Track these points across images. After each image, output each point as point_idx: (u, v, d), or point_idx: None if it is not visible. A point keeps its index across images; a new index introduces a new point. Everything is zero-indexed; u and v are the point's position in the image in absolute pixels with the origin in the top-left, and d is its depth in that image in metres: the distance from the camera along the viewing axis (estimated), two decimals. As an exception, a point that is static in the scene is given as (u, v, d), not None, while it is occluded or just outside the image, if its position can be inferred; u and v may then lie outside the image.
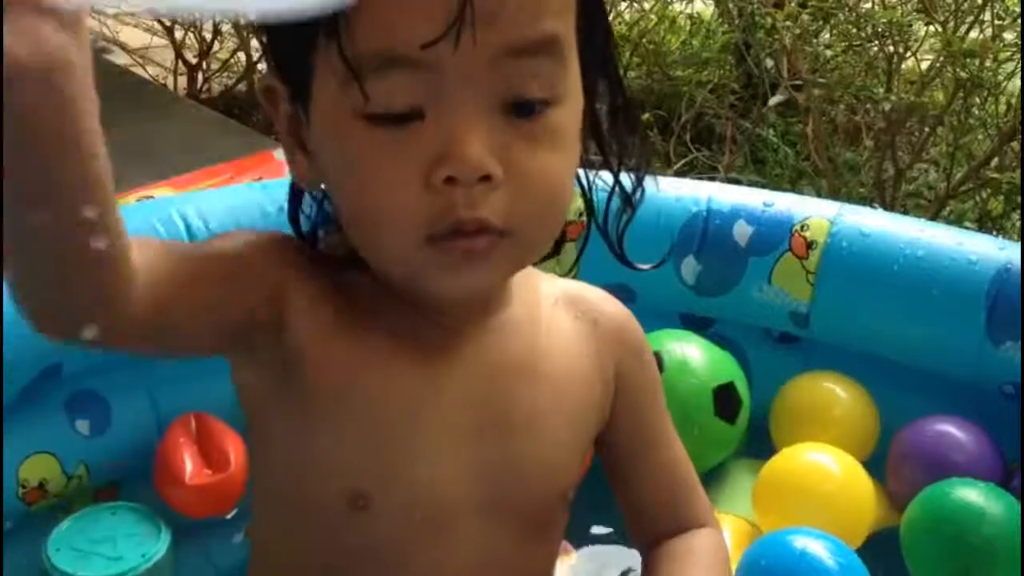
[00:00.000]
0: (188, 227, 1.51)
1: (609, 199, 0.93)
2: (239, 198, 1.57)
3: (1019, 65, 2.30)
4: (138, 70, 3.93)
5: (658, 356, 1.56)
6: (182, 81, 3.89)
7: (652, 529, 1.05)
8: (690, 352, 1.60)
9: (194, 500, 1.42)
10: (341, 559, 0.91)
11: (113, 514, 1.40)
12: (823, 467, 1.49)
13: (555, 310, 0.96)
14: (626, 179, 0.94)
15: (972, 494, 1.38)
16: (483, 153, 0.75)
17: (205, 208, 1.54)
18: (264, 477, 0.95)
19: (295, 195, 0.92)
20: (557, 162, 0.80)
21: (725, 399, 1.59)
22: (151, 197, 2.61)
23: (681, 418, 1.52)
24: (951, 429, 1.51)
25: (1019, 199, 2.24)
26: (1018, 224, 2.57)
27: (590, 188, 0.94)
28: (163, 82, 3.91)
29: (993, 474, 1.47)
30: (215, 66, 3.94)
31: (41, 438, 1.42)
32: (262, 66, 3.85)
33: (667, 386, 1.51)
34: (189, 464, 1.42)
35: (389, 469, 0.88)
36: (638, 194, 0.93)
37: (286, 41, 0.82)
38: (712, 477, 1.62)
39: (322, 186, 0.88)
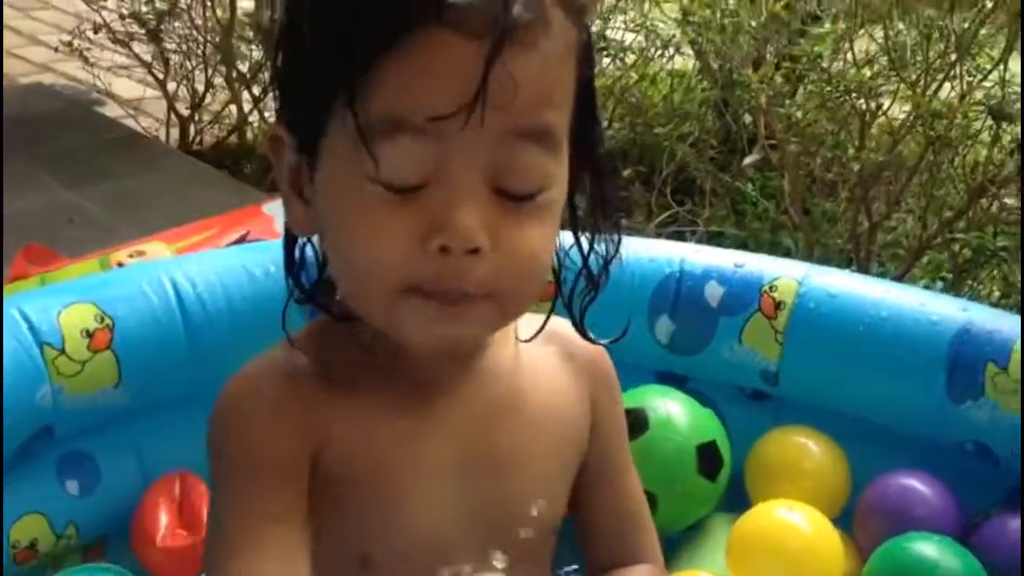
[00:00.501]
0: (176, 290, 1.57)
1: (575, 281, 0.99)
2: (226, 261, 1.62)
3: (985, 122, 2.37)
4: (130, 122, 4.00)
5: (643, 413, 1.61)
6: (174, 133, 3.95)
7: (601, 556, 1.11)
8: (674, 410, 1.64)
9: (166, 561, 1.45)
10: None
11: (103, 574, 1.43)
12: (793, 524, 1.52)
13: (534, 346, 1.02)
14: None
15: (928, 548, 1.43)
16: (476, 228, 0.81)
17: (193, 271, 1.59)
18: None
19: (290, 244, 0.98)
20: (541, 237, 0.86)
21: (708, 457, 1.62)
22: (143, 252, 2.67)
23: (665, 475, 1.58)
24: (915, 484, 1.55)
25: (985, 256, 2.30)
26: (991, 275, 2.62)
27: (559, 267, 0.99)
28: (155, 134, 3.97)
29: (954, 528, 1.51)
30: (207, 118, 4.01)
31: (32, 499, 1.46)
32: (253, 119, 3.93)
33: (652, 443, 1.59)
34: (163, 525, 1.45)
35: (390, 526, 0.94)
36: (603, 278, 0.98)
37: (301, 98, 0.88)
38: (689, 532, 1.66)
39: (315, 237, 0.94)
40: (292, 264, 0.98)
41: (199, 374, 1.54)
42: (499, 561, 1.00)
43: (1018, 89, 2.43)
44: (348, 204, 0.84)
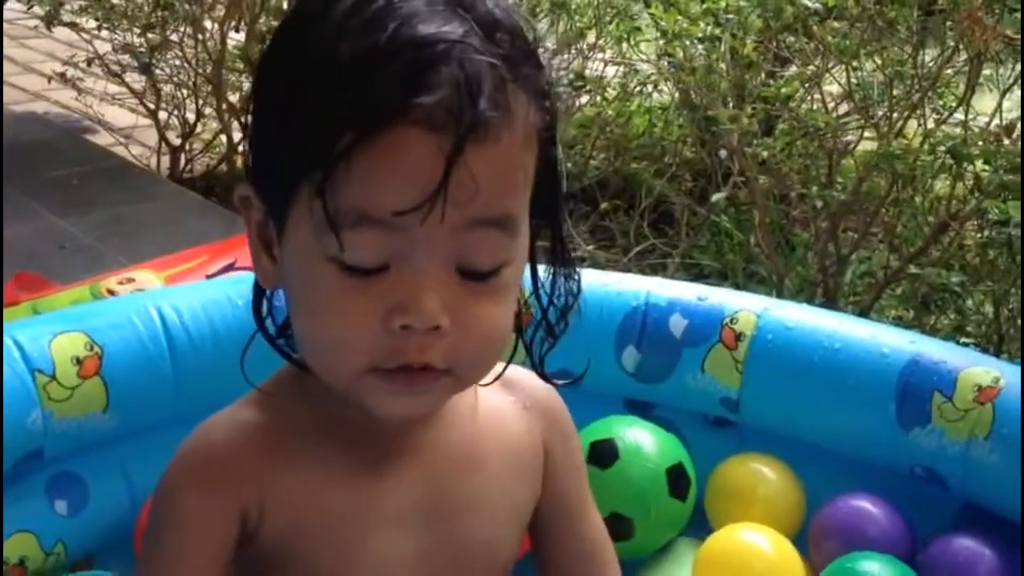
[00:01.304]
0: (163, 319, 1.64)
1: (535, 330, 1.01)
2: (211, 292, 1.70)
3: (947, 163, 2.45)
4: (121, 151, 4.07)
5: (612, 443, 1.69)
6: (164, 161, 4.02)
7: None
8: (641, 437, 1.71)
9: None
10: None
11: (94, 583, 1.51)
12: (756, 547, 1.60)
13: (489, 393, 1.04)
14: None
15: (872, 567, 1.50)
16: (437, 307, 0.85)
17: (179, 302, 1.66)
18: None
19: (259, 292, 1.00)
20: (499, 313, 0.90)
21: (677, 479, 1.70)
22: (132, 280, 2.73)
23: (639, 500, 1.66)
24: (866, 505, 1.63)
25: (946, 294, 2.38)
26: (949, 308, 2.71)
27: (526, 302, 1.01)
28: (146, 162, 4.05)
29: (904, 548, 1.59)
30: (197, 147, 4.09)
31: (22, 518, 1.52)
32: (243, 148, 4.01)
33: (624, 470, 1.66)
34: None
35: (345, 574, 0.98)
36: (561, 328, 1.01)
37: (273, 175, 0.91)
38: (653, 555, 1.73)
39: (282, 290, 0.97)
40: (260, 313, 1.00)
41: (184, 399, 1.61)
42: None
43: (978, 128, 2.53)
44: (311, 281, 0.87)
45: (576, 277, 1.00)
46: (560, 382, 1.06)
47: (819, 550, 1.65)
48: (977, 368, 1.61)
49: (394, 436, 0.99)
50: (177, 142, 4.01)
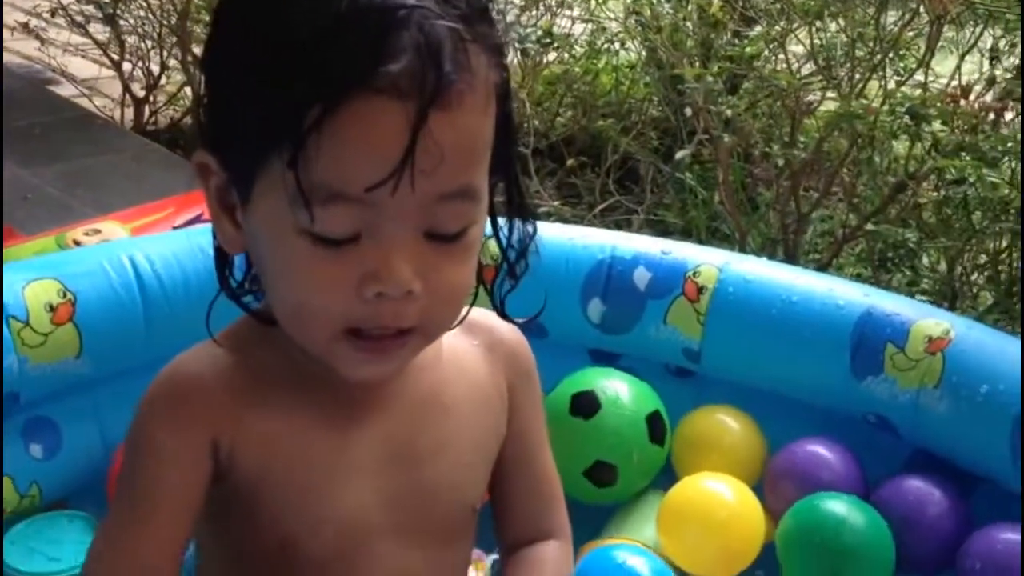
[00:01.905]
0: (135, 267, 1.66)
1: (497, 273, 1.05)
2: (182, 242, 1.72)
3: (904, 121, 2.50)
4: (85, 102, 4.03)
5: (594, 394, 1.74)
6: (128, 113, 3.99)
7: (514, 534, 1.18)
8: (620, 387, 1.76)
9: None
10: None
11: (70, 521, 1.54)
12: (719, 495, 1.65)
13: (455, 339, 1.08)
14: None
15: (836, 506, 1.56)
16: (410, 274, 0.88)
17: (151, 251, 1.68)
18: (203, 538, 1.07)
19: (221, 253, 1.02)
20: (466, 271, 0.93)
21: (655, 425, 1.76)
22: (98, 231, 2.73)
23: (622, 447, 1.72)
24: (820, 450, 1.69)
25: (903, 251, 2.44)
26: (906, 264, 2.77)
27: (502, 248, 1.04)
28: (110, 114, 4.01)
29: (856, 490, 1.65)
30: (162, 99, 4.05)
31: (-2, 461, 1.55)
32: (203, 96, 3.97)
33: (606, 419, 1.71)
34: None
35: (312, 515, 1.01)
36: (520, 269, 1.04)
37: (237, 148, 0.91)
38: (621, 508, 1.77)
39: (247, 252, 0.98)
40: (223, 272, 1.02)
41: (156, 346, 1.63)
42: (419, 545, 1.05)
43: (935, 89, 2.59)
44: (282, 251, 0.89)
45: (532, 222, 1.03)
46: (520, 320, 1.09)
47: (775, 493, 1.71)
48: (928, 320, 1.67)
49: (361, 386, 1.01)
50: (141, 94, 3.97)
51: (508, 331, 1.14)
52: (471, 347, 1.10)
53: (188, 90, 3.91)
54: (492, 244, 1.02)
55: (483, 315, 1.11)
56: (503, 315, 1.07)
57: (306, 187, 0.85)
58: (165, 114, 4.06)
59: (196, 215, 2.88)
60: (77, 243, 2.53)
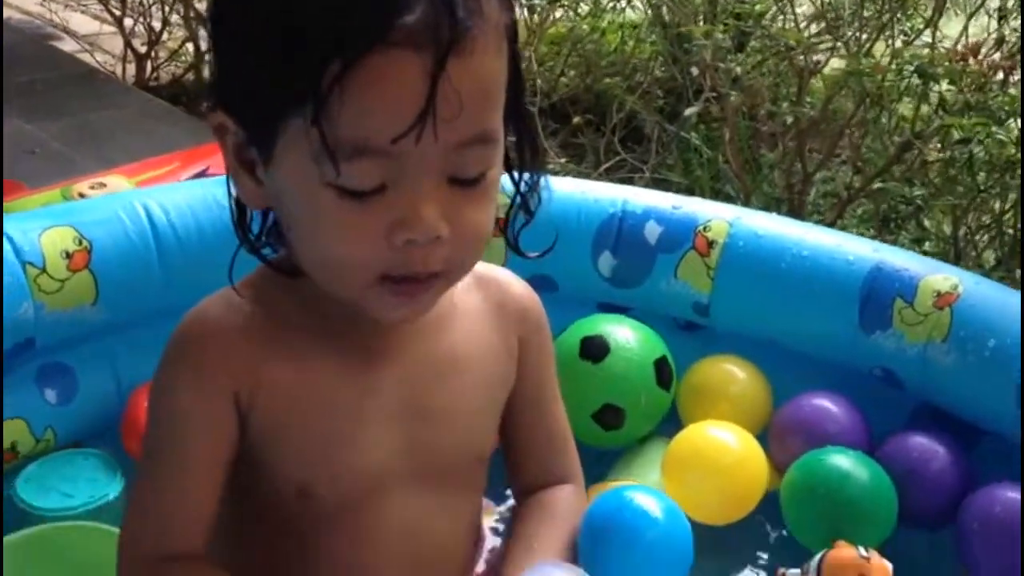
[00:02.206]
0: (149, 216, 1.66)
1: (509, 210, 1.08)
2: (196, 191, 1.72)
3: (912, 80, 2.51)
4: (86, 57, 4.01)
5: (603, 339, 1.75)
6: (130, 69, 3.97)
7: (528, 479, 1.23)
8: (628, 333, 1.77)
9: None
10: (291, 536, 1.07)
11: (85, 459, 1.56)
12: (723, 442, 1.66)
13: (467, 295, 1.12)
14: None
15: (841, 460, 1.58)
16: (436, 219, 0.91)
17: (165, 200, 1.69)
18: None
19: (239, 208, 1.04)
20: (486, 214, 0.96)
21: (663, 370, 1.77)
22: (104, 184, 2.73)
23: (630, 390, 1.73)
24: (826, 403, 1.70)
25: (908, 207, 2.45)
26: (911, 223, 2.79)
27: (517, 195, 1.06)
28: (111, 69, 3.99)
29: (861, 444, 1.66)
30: (163, 55, 4.03)
31: (14, 405, 1.56)
32: (210, 57, 3.95)
33: (615, 364, 1.72)
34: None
35: (329, 463, 1.04)
36: (533, 204, 1.07)
37: (256, 107, 0.92)
38: (626, 454, 1.79)
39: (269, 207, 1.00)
40: (243, 225, 1.04)
41: (170, 294, 1.64)
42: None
43: (943, 49, 2.58)
44: (310, 206, 0.91)
45: (542, 158, 1.07)
46: (532, 254, 1.10)
47: (780, 445, 1.72)
48: (937, 275, 1.68)
49: (379, 337, 1.04)
50: (143, 50, 3.95)
51: (520, 288, 1.18)
52: (483, 304, 1.13)
53: (190, 46, 3.89)
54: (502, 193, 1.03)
55: (496, 272, 1.15)
56: (516, 250, 1.09)
57: (330, 142, 0.86)
58: (167, 70, 4.04)
59: (202, 169, 2.89)
60: (83, 196, 2.54)
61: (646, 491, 1.41)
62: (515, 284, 1.18)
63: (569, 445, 1.25)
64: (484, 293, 1.14)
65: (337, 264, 0.94)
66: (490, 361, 1.13)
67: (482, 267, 1.14)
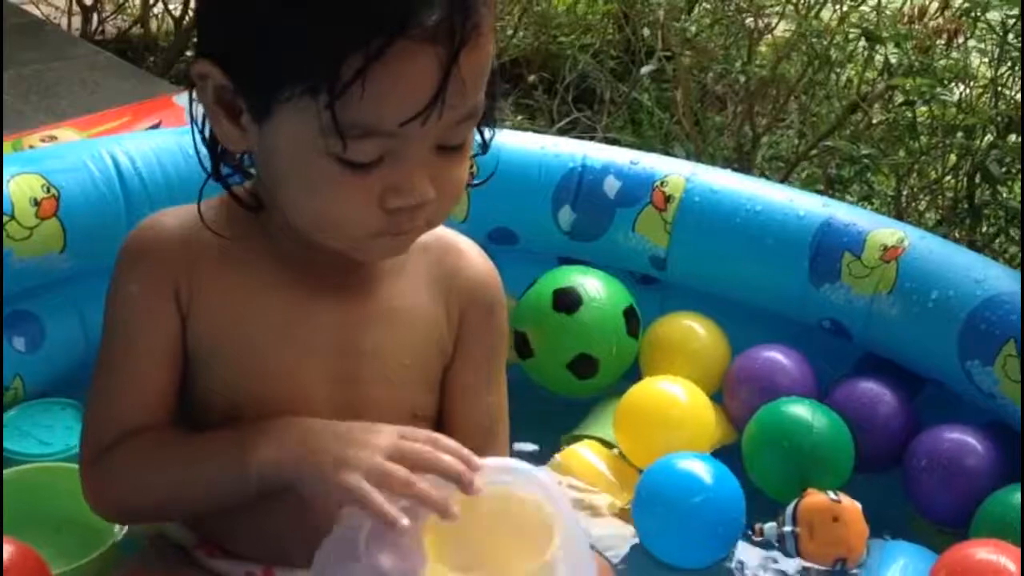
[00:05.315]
0: (116, 164, 1.67)
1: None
2: (163, 141, 1.72)
3: (859, 44, 2.57)
4: (32, 8, 3.92)
5: (575, 291, 1.80)
6: (75, 22, 3.90)
7: None
8: (597, 284, 1.82)
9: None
10: None
11: (62, 409, 1.57)
12: (671, 395, 1.72)
13: (422, 255, 1.15)
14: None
15: (801, 409, 1.65)
16: (427, 185, 0.98)
17: (132, 148, 1.69)
18: None
19: (212, 143, 1.08)
20: (464, 169, 1.03)
21: (631, 318, 1.83)
22: (54, 138, 2.71)
23: (603, 339, 1.79)
24: (777, 356, 1.77)
25: (855, 167, 2.53)
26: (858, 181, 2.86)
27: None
28: (56, 21, 3.92)
29: (811, 393, 1.73)
30: (109, 8, 3.96)
31: (-20, 353, 1.56)
32: (157, 10, 3.91)
33: (588, 314, 1.76)
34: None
35: (255, 383, 1.09)
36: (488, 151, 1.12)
37: (267, 74, 0.95)
38: (595, 404, 1.84)
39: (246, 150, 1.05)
40: (218, 167, 1.09)
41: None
42: None
43: (891, 12, 2.65)
44: (307, 170, 0.97)
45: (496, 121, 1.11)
46: (477, 182, 1.15)
47: (734, 398, 1.79)
48: (884, 229, 1.75)
49: (327, 276, 1.09)
50: (89, 2, 3.88)
51: (479, 266, 1.20)
52: (434, 268, 1.17)
53: (137, 0, 3.83)
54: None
55: (461, 243, 1.20)
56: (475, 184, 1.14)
57: (341, 124, 0.92)
58: (113, 24, 3.97)
59: (154, 124, 2.87)
60: (33, 148, 2.52)
61: (699, 457, 1.49)
62: (476, 261, 1.20)
63: (502, 439, 1.23)
64: (438, 258, 1.18)
65: (328, 223, 1.01)
66: (425, 322, 1.16)
67: (451, 235, 1.20)
